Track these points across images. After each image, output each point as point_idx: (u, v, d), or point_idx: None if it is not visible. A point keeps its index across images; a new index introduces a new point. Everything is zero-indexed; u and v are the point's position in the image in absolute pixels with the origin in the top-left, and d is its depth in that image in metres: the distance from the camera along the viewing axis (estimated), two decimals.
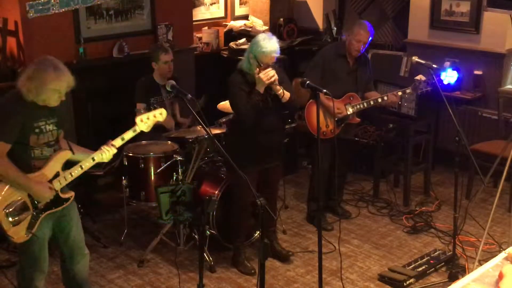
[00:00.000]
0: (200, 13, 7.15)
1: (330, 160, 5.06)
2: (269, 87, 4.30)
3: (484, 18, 6.11)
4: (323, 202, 5.26)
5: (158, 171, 4.73)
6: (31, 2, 5.35)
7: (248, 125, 4.38)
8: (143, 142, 4.99)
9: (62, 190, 3.59)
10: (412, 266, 4.57)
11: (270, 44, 4.23)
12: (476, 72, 6.23)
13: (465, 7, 6.22)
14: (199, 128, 4.99)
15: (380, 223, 5.41)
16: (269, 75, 4.23)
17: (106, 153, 3.62)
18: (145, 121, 3.72)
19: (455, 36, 6.34)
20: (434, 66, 4.57)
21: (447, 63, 6.20)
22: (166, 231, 4.83)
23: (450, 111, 4.25)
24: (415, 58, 4.66)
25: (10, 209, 3.42)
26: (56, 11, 5.52)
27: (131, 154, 4.78)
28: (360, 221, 5.44)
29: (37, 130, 3.44)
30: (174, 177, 4.73)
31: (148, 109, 5.33)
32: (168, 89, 3.72)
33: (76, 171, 3.59)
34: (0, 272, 4.56)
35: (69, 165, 3.62)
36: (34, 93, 3.38)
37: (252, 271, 4.54)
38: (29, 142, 3.43)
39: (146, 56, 5.52)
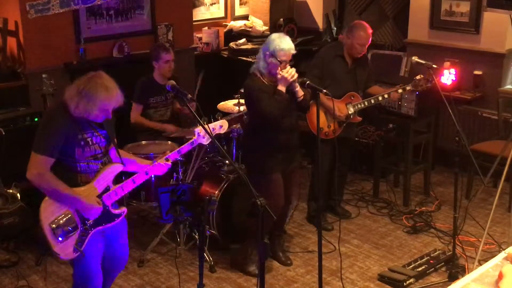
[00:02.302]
0: (200, 13, 7.15)
1: (330, 160, 5.06)
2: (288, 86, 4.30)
3: (484, 18, 6.11)
4: (323, 202, 5.27)
5: None
6: (31, 2, 5.37)
7: (274, 125, 4.31)
8: (143, 142, 5.00)
9: (113, 205, 3.47)
10: (412, 266, 4.57)
11: (287, 42, 4.24)
12: (476, 72, 6.23)
13: (465, 7, 6.22)
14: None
15: (380, 223, 5.41)
16: (292, 73, 4.23)
17: (161, 168, 3.56)
18: (203, 134, 3.65)
19: (455, 36, 6.34)
20: (434, 66, 4.57)
21: (447, 63, 6.20)
22: (166, 231, 4.84)
23: (450, 111, 4.25)
24: (415, 58, 4.66)
25: (57, 225, 3.29)
26: (56, 11, 5.54)
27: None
28: (360, 221, 5.45)
29: (82, 143, 3.32)
30: (174, 177, 4.73)
31: (147, 107, 5.34)
32: (168, 89, 3.70)
33: (128, 186, 3.47)
34: (0, 272, 4.56)
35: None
36: (81, 110, 3.25)
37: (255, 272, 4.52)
38: (75, 155, 3.30)
39: (147, 56, 5.52)
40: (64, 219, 3.31)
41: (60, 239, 3.31)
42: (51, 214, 3.30)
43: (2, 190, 4.65)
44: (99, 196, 3.40)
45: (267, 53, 4.24)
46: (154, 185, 4.70)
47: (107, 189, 3.42)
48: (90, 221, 3.39)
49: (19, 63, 5.54)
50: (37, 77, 5.18)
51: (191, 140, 3.71)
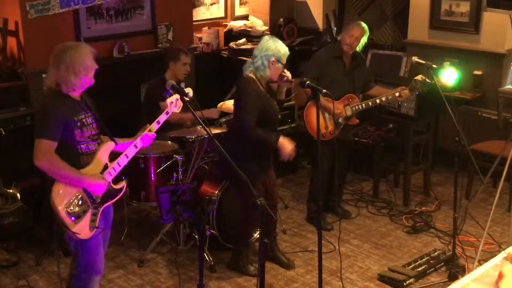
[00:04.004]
0: (200, 13, 7.15)
1: (329, 161, 5.06)
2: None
3: (483, 18, 6.11)
4: (323, 202, 5.26)
5: (158, 171, 4.73)
6: (31, 2, 5.37)
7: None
8: None
9: (114, 181, 3.61)
10: (412, 266, 4.57)
11: (282, 44, 4.29)
12: (475, 72, 6.23)
13: (464, 7, 6.23)
14: (199, 128, 4.99)
15: (380, 223, 5.41)
16: (290, 74, 4.33)
17: (147, 138, 3.67)
18: (175, 103, 3.74)
19: (454, 36, 6.35)
20: (434, 66, 4.57)
21: (447, 63, 6.20)
22: (166, 231, 4.84)
23: (450, 111, 4.25)
24: (415, 58, 4.66)
25: (71, 207, 3.41)
26: (56, 11, 5.54)
27: None
28: (360, 221, 5.45)
29: (79, 124, 3.45)
30: (174, 177, 4.73)
31: (157, 108, 5.31)
32: (168, 89, 3.72)
33: (122, 160, 3.61)
34: (0, 272, 4.56)
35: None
36: (87, 80, 3.46)
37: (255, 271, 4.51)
38: (75, 137, 3.43)
39: (147, 56, 5.51)
40: (76, 200, 3.44)
41: (75, 219, 3.43)
42: (63, 198, 3.40)
43: (2, 190, 4.64)
44: (101, 173, 3.54)
45: (273, 59, 4.20)
46: (154, 185, 4.71)
47: (105, 167, 3.56)
48: (98, 198, 3.52)
49: (19, 63, 5.53)
50: (37, 77, 5.18)
51: (165, 110, 3.76)
